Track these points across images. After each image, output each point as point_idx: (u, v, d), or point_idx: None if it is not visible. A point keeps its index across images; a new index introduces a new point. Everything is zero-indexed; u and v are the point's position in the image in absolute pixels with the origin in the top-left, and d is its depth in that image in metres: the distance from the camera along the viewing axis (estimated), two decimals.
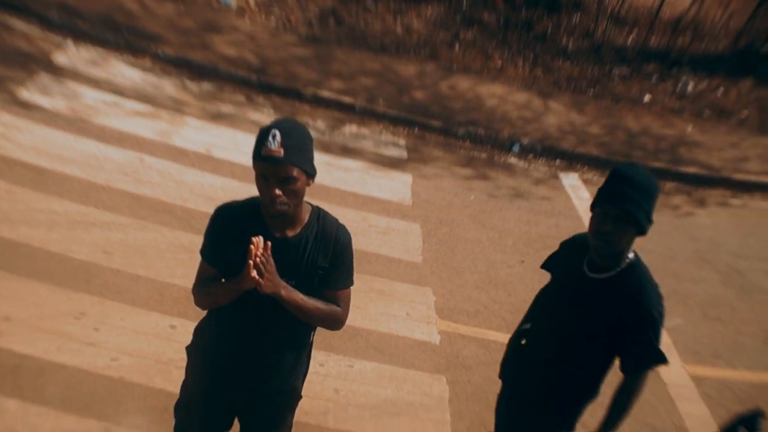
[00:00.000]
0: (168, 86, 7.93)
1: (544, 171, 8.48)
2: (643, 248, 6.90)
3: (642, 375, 2.80)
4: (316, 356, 4.34)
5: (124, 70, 7.91)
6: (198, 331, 2.88)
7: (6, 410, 3.61)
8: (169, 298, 4.61)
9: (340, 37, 10.39)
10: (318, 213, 2.65)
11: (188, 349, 2.90)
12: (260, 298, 2.49)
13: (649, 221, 2.63)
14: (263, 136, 2.39)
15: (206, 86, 8.20)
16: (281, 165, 2.37)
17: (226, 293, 2.58)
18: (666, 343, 5.43)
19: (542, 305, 3.07)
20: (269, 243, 2.40)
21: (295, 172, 2.40)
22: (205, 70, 8.37)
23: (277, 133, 2.36)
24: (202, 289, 2.69)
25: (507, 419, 3.21)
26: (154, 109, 7.24)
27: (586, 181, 8.37)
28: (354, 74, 9.37)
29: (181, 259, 4.93)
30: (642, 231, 2.64)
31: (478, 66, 10.63)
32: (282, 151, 2.35)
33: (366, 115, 8.46)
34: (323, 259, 2.61)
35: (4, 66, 7.13)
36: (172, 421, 3.02)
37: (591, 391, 2.92)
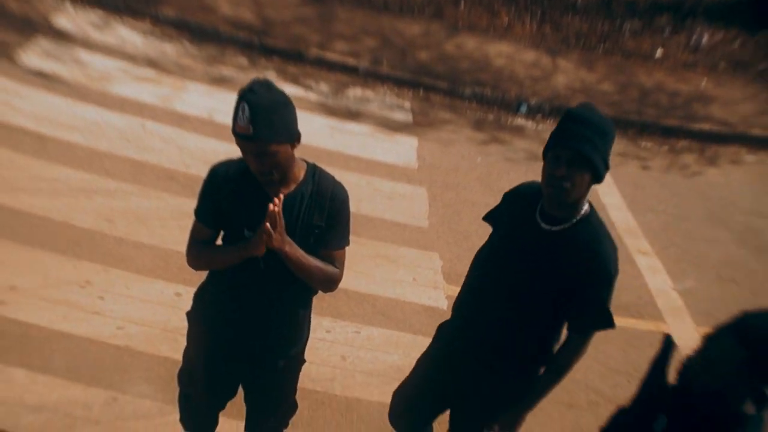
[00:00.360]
0: (169, 50, 7.82)
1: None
2: (653, 209, 6.91)
3: (589, 336, 2.65)
4: (322, 323, 4.40)
5: (124, 34, 7.80)
6: (197, 297, 2.83)
7: (13, 380, 3.62)
8: (174, 266, 4.57)
9: None
10: (314, 171, 2.59)
11: (188, 314, 2.86)
12: (260, 261, 2.47)
13: (606, 166, 2.44)
14: (236, 107, 2.31)
15: (208, 49, 8.08)
16: (253, 142, 2.31)
17: (230, 258, 2.54)
18: (678, 305, 5.50)
19: (486, 262, 2.81)
20: (282, 197, 2.35)
21: (272, 147, 2.33)
22: (207, 32, 8.25)
23: (246, 107, 2.27)
24: (200, 251, 2.64)
25: (440, 382, 3.01)
26: (156, 74, 7.16)
27: None
28: (357, 35, 9.22)
29: (184, 225, 4.79)
30: (598, 177, 2.45)
31: (484, 24, 10.42)
32: (251, 128, 2.27)
33: (370, 77, 8.34)
34: (319, 218, 2.55)
35: (2, 30, 7.04)
36: (178, 390, 3.02)
37: (543, 354, 2.77)
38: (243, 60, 8.03)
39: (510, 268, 2.65)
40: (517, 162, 7.30)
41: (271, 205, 2.30)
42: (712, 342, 2.04)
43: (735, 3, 12.13)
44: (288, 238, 2.43)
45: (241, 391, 2.98)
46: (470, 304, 2.85)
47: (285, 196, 2.45)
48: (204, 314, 2.80)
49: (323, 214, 2.55)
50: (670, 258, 6.22)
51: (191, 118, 6.45)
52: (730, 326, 2.00)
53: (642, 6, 11.71)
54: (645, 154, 8.26)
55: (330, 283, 2.66)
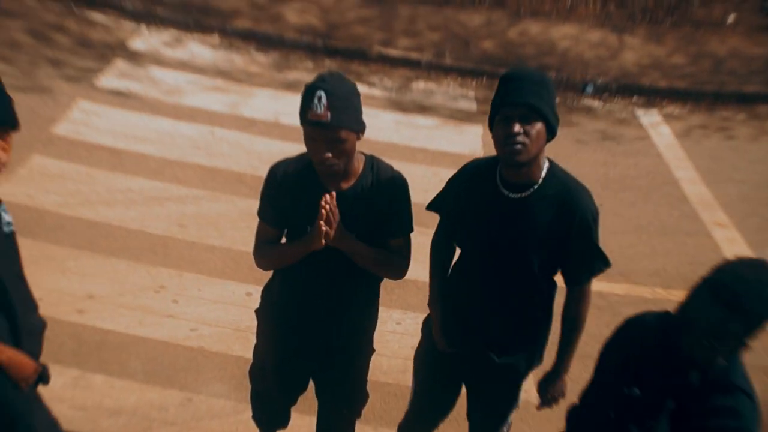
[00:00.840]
0: (237, 60, 8.03)
1: (621, 109, 8.21)
2: (731, 179, 6.66)
3: (589, 283, 2.64)
4: (393, 315, 4.44)
5: (194, 49, 8.04)
6: (265, 293, 2.88)
7: (92, 385, 3.77)
8: (245, 266, 4.67)
9: None
10: (371, 162, 2.61)
11: (257, 312, 2.91)
12: (324, 255, 2.48)
13: (556, 117, 2.39)
14: (308, 97, 2.35)
15: (274, 56, 8.25)
16: (329, 129, 2.34)
17: (292, 254, 2.58)
18: None
19: (464, 248, 2.75)
20: (334, 194, 2.39)
21: (344, 134, 2.36)
22: (272, 40, 8.43)
23: (323, 95, 2.32)
24: (265, 251, 2.69)
25: (451, 377, 2.97)
26: (224, 83, 7.35)
27: (667, 117, 8.06)
28: (420, 30, 9.24)
29: (254, 226, 4.90)
30: (552, 128, 2.39)
31: (546, 8, 10.27)
32: (329, 114, 2.31)
33: (434, 70, 8.36)
34: (380, 207, 2.57)
35: (85, 57, 7.38)
36: (250, 387, 3.08)
37: (546, 317, 2.75)
38: (308, 63, 8.16)
39: (492, 246, 2.60)
40: (585, 142, 7.19)
41: (322, 202, 2.34)
42: (689, 303, 2.00)
43: None
44: (346, 233, 2.47)
45: (312, 386, 3.00)
46: (462, 292, 2.80)
47: (345, 189, 2.52)
48: (272, 310, 2.85)
49: (384, 204, 2.57)
50: (750, 229, 6.02)
51: (258, 123, 6.60)
52: (704, 284, 1.97)
53: None
54: (723, 124, 8.03)
55: (397, 271, 2.69)
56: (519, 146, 2.32)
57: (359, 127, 2.43)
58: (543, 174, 2.47)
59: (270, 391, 3.01)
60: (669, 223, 6.05)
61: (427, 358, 3.02)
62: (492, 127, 2.43)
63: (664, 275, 5.33)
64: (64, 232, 4.90)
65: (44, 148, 5.76)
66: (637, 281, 5.17)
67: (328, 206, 2.35)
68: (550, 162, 2.52)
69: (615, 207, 6.06)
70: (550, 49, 9.18)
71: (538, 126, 2.34)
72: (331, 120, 2.32)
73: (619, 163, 6.87)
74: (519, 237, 2.52)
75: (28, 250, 4.58)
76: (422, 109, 7.49)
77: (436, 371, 3.00)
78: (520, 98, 2.32)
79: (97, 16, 8.34)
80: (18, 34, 7.56)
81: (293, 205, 2.55)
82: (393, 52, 8.47)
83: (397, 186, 2.61)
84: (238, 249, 4.87)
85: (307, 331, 2.76)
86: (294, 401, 3.06)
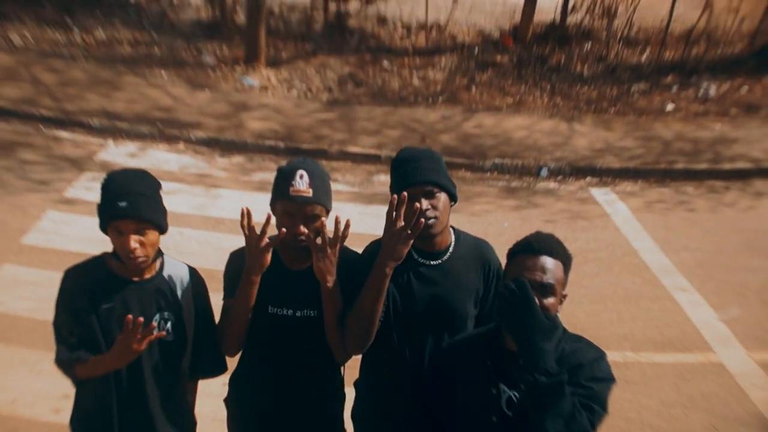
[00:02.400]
0: (202, 165, 8.25)
1: (576, 189, 8.53)
2: (687, 247, 6.90)
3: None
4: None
5: (160, 157, 8.25)
6: (232, 382, 2.91)
7: None
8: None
9: (360, 97, 10.70)
10: (458, 234, 2.77)
11: (226, 401, 2.93)
12: (288, 331, 2.62)
13: (454, 186, 2.60)
14: (289, 175, 2.51)
15: (237, 159, 8.50)
16: (309, 204, 2.50)
17: (240, 299, 2.55)
18: (725, 335, 5.51)
19: (388, 324, 2.67)
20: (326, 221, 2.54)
21: (319, 210, 2.53)
22: (235, 145, 8.71)
23: (305, 173, 2.50)
24: (222, 326, 2.68)
25: None
26: (190, 187, 7.53)
27: (620, 193, 8.40)
28: (378, 128, 9.61)
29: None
30: (453, 196, 2.60)
31: (497, 103, 10.84)
32: (311, 191, 2.49)
33: None
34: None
35: (53, 171, 7.56)
36: None
37: None
38: (271, 164, 8.40)
39: (420, 316, 2.66)
40: (541, 222, 7.44)
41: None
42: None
43: (736, 57, 12.58)
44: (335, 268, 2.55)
45: None
46: (390, 368, 2.76)
47: (304, 269, 2.63)
48: (240, 395, 2.88)
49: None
50: (711, 291, 6.24)
51: (226, 221, 6.73)
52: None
53: (646, 69, 12.18)
54: (673, 199, 8.37)
55: (345, 346, 2.67)
56: (432, 220, 2.52)
57: (330, 207, 2.61)
58: (453, 238, 2.71)
59: None
60: (632, 290, 6.24)
61: None
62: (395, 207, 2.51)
63: (632, 339, 5.49)
64: (37, 335, 4.88)
65: (15, 258, 5.83)
66: (607, 347, 5.25)
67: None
68: (452, 227, 2.74)
69: (579, 279, 6.23)
70: (505, 138, 9.57)
71: (443, 198, 2.56)
72: (312, 196, 2.50)
73: (579, 237, 7.10)
74: (449, 297, 2.66)
75: (1, 354, 4.62)
76: (385, 199, 7.69)
77: None
78: (421, 178, 2.52)
79: (64, 134, 8.58)
80: None
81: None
82: (353, 149, 8.77)
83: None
84: None
85: (277, 408, 2.78)
86: None
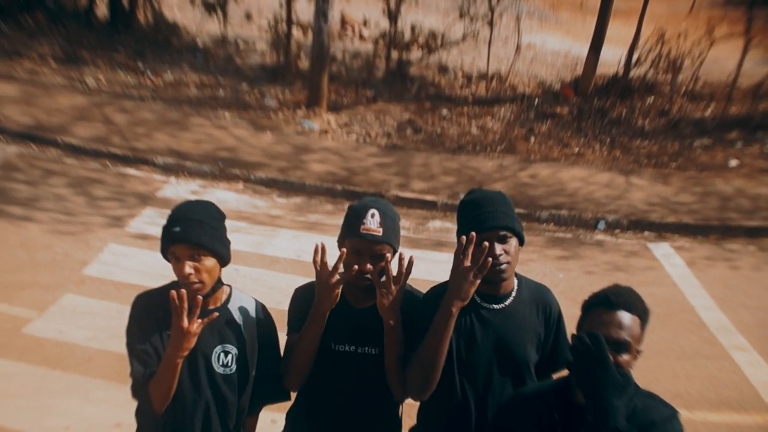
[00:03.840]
0: (260, 204, 8.41)
1: (633, 244, 8.41)
2: (745, 305, 6.77)
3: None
4: None
5: (219, 195, 8.45)
6: (289, 416, 2.90)
7: None
8: None
9: (417, 144, 10.81)
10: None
11: None
12: (349, 370, 2.62)
13: (521, 227, 2.58)
14: (361, 213, 2.54)
15: (294, 200, 8.65)
16: (378, 244, 2.52)
17: (308, 333, 2.56)
18: None
19: (452, 370, 2.62)
20: (404, 255, 2.53)
21: (387, 250, 2.54)
22: (293, 186, 8.86)
23: (376, 213, 2.53)
24: (287, 361, 2.66)
25: None
26: (248, 225, 7.68)
27: (678, 249, 8.25)
28: (435, 174, 9.68)
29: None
30: (522, 239, 2.57)
31: (555, 154, 10.83)
32: (381, 231, 2.52)
33: (449, 210, 8.67)
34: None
35: (118, 206, 7.81)
36: None
37: None
38: (328, 206, 8.53)
39: (483, 361, 2.63)
40: (598, 274, 7.33)
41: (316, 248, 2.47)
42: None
43: None
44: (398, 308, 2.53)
45: None
46: (451, 416, 2.69)
47: (368, 307, 2.62)
48: (296, 429, 2.86)
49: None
50: None
51: (281, 260, 6.84)
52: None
53: (710, 125, 12.01)
54: (731, 256, 8.21)
55: (405, 387, 2.63)
56: (504, 266, 2.51)
57: (398, 247, 2.62)
58: (515, 282, 2.67)
59: None
60: (689, 347, 6.09)
61: None
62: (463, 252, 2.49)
63: (687, 397, 5.35)
64: (92, 363, 5.02)
65: (76, 288, 6.00)
66: None
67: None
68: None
69: None
70: (560, 189, 9.53)
71: (514, 243, 2.54)
72: (382, 236, 2.52)
73: None
74: (513, 342, 2.63)
75: (58, 380, 4.74)
76: (439, 245, 7.73)
77: None
78: (496, 222, 2.50)
79: (131, 171, 8.86)
80: (59, 189, 8.04)
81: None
82: (409, 194, 8.84)
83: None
84: None
85: None
86: None
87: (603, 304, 2.24)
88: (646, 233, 8.70)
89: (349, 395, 2.69)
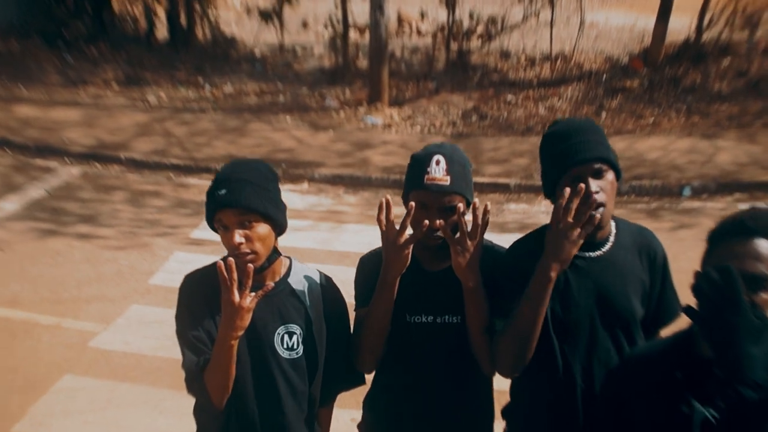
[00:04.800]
0: (326, 202, 8.21)
1: (723, 207, 7.90)
2: None
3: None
4: None
5: (284, 196, 8.23)
6: (366, 405, 2.58)
7: None
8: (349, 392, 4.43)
9: (485, 129, 10.44)
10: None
11: (359, 427, 2.63)
12: (430, 343, 2.27)
13: (616, 158, 2.15)
14: (424, 162, 2.20)
15: (362, 195, 8.43)
16: (447, 194, 2.17)
17: (377, 305, 2.22)
18: None
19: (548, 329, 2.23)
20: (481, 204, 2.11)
21: (458, 201, 2.18)
22: (359, 181, 8.64)
23: (442, 159, 2.18)
24: (357, 339, 2.34)
25: None
26: (314, 223, 7.47)
27: None
28: (506, 157, 9.36)
29: None
30: (619, 173, 2.15)
31: (629, 126, 10.37)
32: (449, 179, 2.16)
33: (524, 191, 8.34)
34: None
35: (181, 216, 7.70)
36: None
37: None
38: (397, 198, 8.20)
39: (584, 320, 2.22)
40: (689, 240, 6.82)
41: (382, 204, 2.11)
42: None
43: None
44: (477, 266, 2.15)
45: None
46: (553, 389, 2.30)
47: (441, 270, 2.29)
48: (376, 416, 2.54)
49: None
50: None
51: (351, 254, 6.54)
52: None
53: None
54: None
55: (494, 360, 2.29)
56: (601, 209, 2.08)
57: (471, 198, 2.22)
58: (612, 225, 2.26)
59: None
60: None
61: None
62: (550, 193, 2.21)
63: None
64: (161, 373, 4.84)
65: (142, 298, 5.86)
66: None
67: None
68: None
69: None
70: (639, 160, 9.05)
71: (611, 177, 2.13)
72: (451, 183, 2.16)
73: None
74: (616, 294, 2.21)
75: (126, 393, 4.55)
76: (522, 228, 7.34)
77: None
78: (590, 154, 2.09)
79: (192, 180, 8.77)
80: (122, 203, 7.99)
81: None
82: (482, 179, 8.47)
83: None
84: None
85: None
86: None
87: (736, 232, 1.80)
88: (737, 195, 8.18)
89: (432, 373, 2.34)
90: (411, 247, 2.14)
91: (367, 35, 11.88)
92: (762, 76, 11.58)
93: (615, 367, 2.15)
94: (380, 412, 2.51)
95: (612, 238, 2.24)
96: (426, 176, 2.17)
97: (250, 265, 2.04)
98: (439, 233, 2.14)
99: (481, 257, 2.15)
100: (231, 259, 2.02)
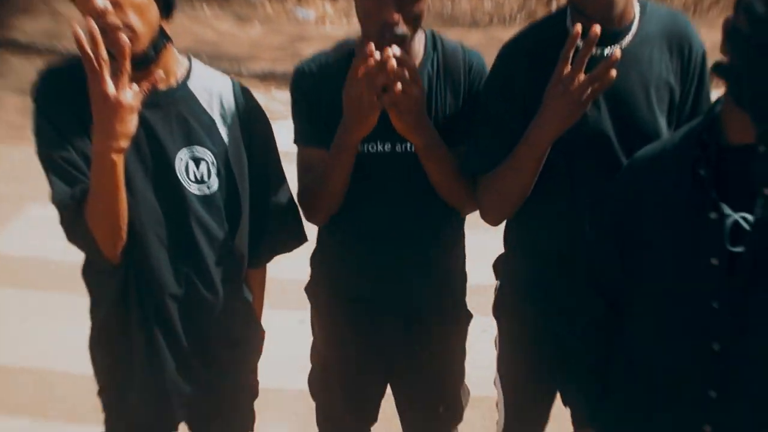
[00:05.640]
0: (258, 98, 7.46)
1: None
2: None
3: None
4: (478, 321, 3.55)
5: None
6: (314, 262, 2.18)
7: None
8: (292, 294, 3.84)
9: (428, 23, 9.76)
10: (433, 39, 1.94)
11: (307, 290, 2.22)
12: (391, 182, 1.89)
13: None
14: None
15: None
16: None
17: (335, 171, 1.84)
18: None
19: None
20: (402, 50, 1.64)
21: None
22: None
23: None
24: (308, 182, 1.94)
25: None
26: None
27: None
28: None
29: (295, 254, 4.28)
30: None
31: None
32: None
33: None
34: (453, 99, 1.89)
35: None
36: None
37: None
38: None
39: (595, 136, 1.74)
40: None
41: (379, 53, 1.62)
42: None
43: None
44: (426, 114, 1.75)
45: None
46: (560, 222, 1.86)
47: None
48: (328, 271, 2.14)
49: (459, 93, 1.90)
50: None
51: (289, 153, 5.90)
52: None
53: None
54: None
55: (470, 198, 1.91)
56: None
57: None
58: (636, 10, 1.73)
59: (338, 406, 2.29)
60: None
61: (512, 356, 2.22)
62: None
63: None
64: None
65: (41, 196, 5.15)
66: None
67: (393, 55, 1.61)
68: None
69: None
70: None
71: None
72: None
73: None
74: (636, 101, 1.72)
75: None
76: None
77: (527, 371, 2.16)
78: None
79: None
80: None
81: (334, 112, 1.81)
82: None
83: (476, 68, 1.92)
84: (284, 277, 4.02)
85: (375, 294, 2.04)
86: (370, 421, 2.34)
87: None
88: None
89: (393, 209, 1.94)
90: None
91: None
92: None
93: (619, 173, 1.62)
94: (331, 261, 2.12)
95: (634, 28, 1.72)
96: None
97: (124, 38, 1.38)
98: (399, 31, 1.71)
99: (455, 67, 1.87)
100: (95, 32, 1.32)
